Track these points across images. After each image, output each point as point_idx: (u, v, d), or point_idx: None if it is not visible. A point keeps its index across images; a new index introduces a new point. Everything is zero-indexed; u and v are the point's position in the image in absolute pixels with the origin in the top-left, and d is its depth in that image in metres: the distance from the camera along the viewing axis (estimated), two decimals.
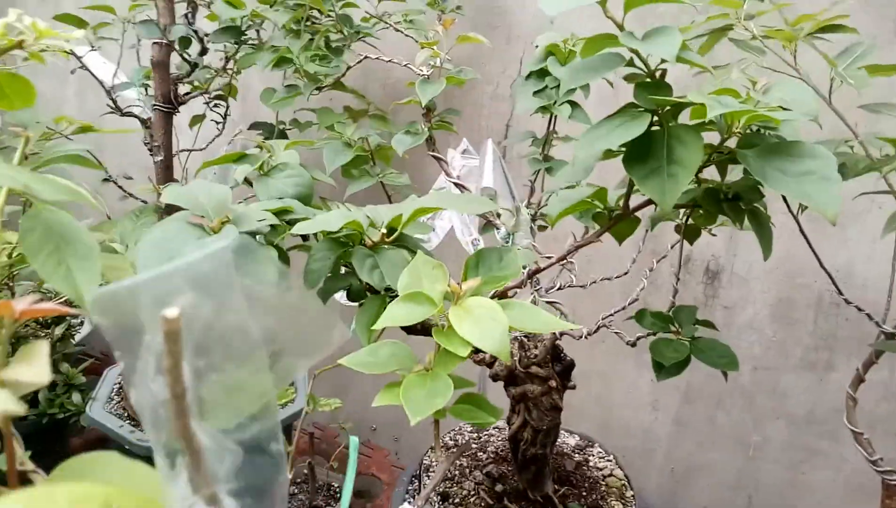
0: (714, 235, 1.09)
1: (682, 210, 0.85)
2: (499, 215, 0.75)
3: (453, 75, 0.91)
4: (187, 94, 1.43)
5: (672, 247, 1.01)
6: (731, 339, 1.46)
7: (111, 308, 0.22)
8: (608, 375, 1.59)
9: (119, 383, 1.47)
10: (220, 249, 0.21)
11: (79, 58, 1.30)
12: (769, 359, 1.45)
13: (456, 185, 0.87)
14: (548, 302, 0.95)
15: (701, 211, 0.84)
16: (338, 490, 1.37)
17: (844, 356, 1.38)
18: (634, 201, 0.67)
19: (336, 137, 0.95)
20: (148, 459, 0.25)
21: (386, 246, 0.57)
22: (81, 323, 1.85)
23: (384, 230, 0.56)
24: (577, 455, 1.40)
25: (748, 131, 0.59)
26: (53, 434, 1.49)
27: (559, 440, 1.47)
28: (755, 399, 1.47)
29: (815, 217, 1.25)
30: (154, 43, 1.26)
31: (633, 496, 1.28)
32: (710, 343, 0.77)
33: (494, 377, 1.08)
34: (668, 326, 0.80)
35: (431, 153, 0.86)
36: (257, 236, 0.56)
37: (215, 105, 1.56)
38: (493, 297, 0.64)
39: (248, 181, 0.74)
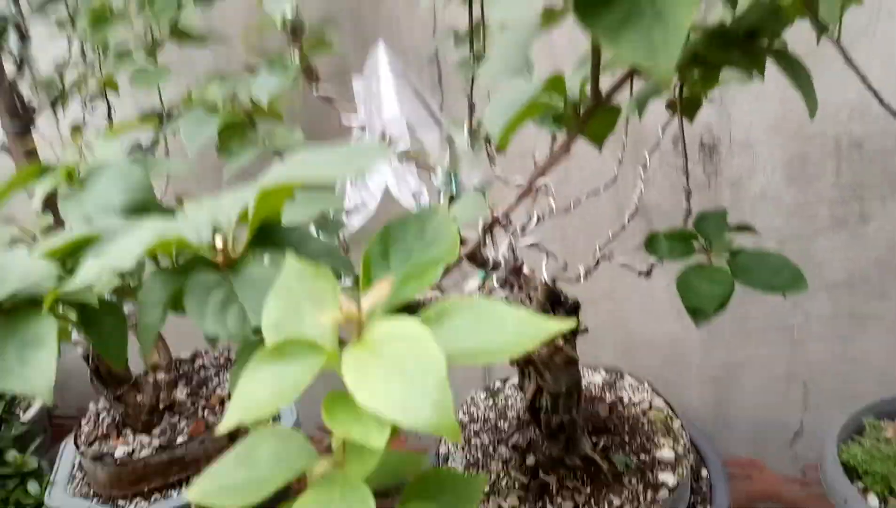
0: (710, 100, 0.87)
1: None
2: (425, 153, 0.53)
3: None
4: (53, 102, 1.17)
5: (663, 131, 0.80)
6: (746, 216, 1.26)
7: None
8: (616, 293, 1.40)
9: (79, 457, 1.27)
10: None
11: None
12: (794, 228, 1.25)
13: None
14: (529, 246, 0.74)
15: (696, 75, 0.62)
16: None
17: (878, 201, 1.18)
18: (606, 82, 0.45)
19: (195, 104, 0.70)
20: None
21: (244, 260, 0.35)
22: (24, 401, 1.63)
23: (228, 238, 0.34)
24: (608, 395, 1.22)
25: None
26: None
27: (584, 380, 1.29)
28: None
29: (815, 47, 1.03)
30: None
31: (681, 426, 1.11)
32: (758, 258, 0.56)
33: None
34: (692, 245, 0.59)
35: (320, 95, 0.62)
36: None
37: (94, 107, 1.30)
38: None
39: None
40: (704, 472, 1.11)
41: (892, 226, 1.19)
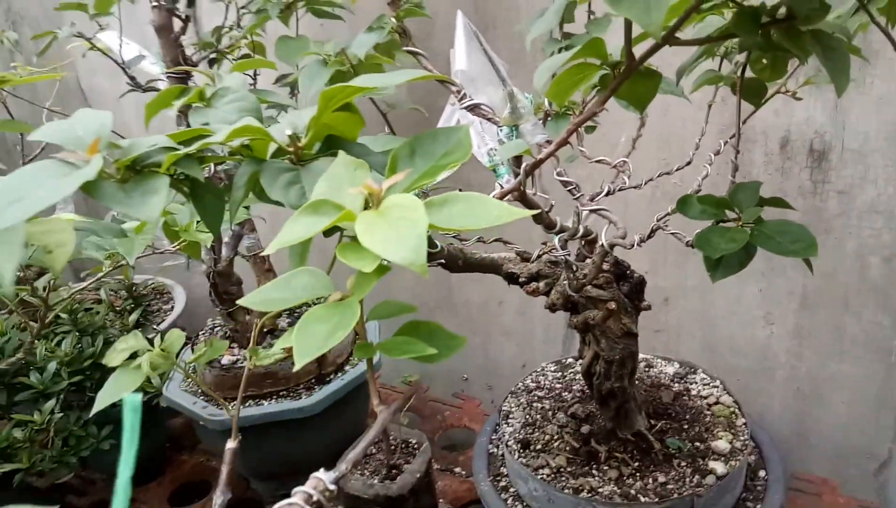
0: (799, 98, 0.87)
1: (736, 60, 0.67)
2: (489, 110, 0.60)
3: None
4: (206, 57, 1.36)
5: (744, 121, 0.81)
6: (852, 228, 1.22)
7: None
8: (705, 288, 1.39)
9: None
10: None
11: (88, 39, 1.26)
12: None
13: (469, 106, 0.71)
14: (592, 211, 0.80)
15: (765, 60, 0.65)
16: (415, 445, 1.30)
17: None
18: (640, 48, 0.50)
19: (313, 55, 0.83)
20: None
21: (312, 157, 0.45)
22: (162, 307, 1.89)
23: (304, 139, 0.44)
24: (675, 385, 1.23)
25: None
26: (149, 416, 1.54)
27: (655, 370, 1.31)
28: (890, 295, 1.22)
29: None
30: (153, 6, 1.20)
31: (744, 423, 1.10)
32: (779, 226, 0.59)
33: (551, 307, 0.94)
34: (724, 212, 0.62)
35: (407, 48, 0.71)
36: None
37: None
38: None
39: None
40: (762, 473, 1.10)
41: None
